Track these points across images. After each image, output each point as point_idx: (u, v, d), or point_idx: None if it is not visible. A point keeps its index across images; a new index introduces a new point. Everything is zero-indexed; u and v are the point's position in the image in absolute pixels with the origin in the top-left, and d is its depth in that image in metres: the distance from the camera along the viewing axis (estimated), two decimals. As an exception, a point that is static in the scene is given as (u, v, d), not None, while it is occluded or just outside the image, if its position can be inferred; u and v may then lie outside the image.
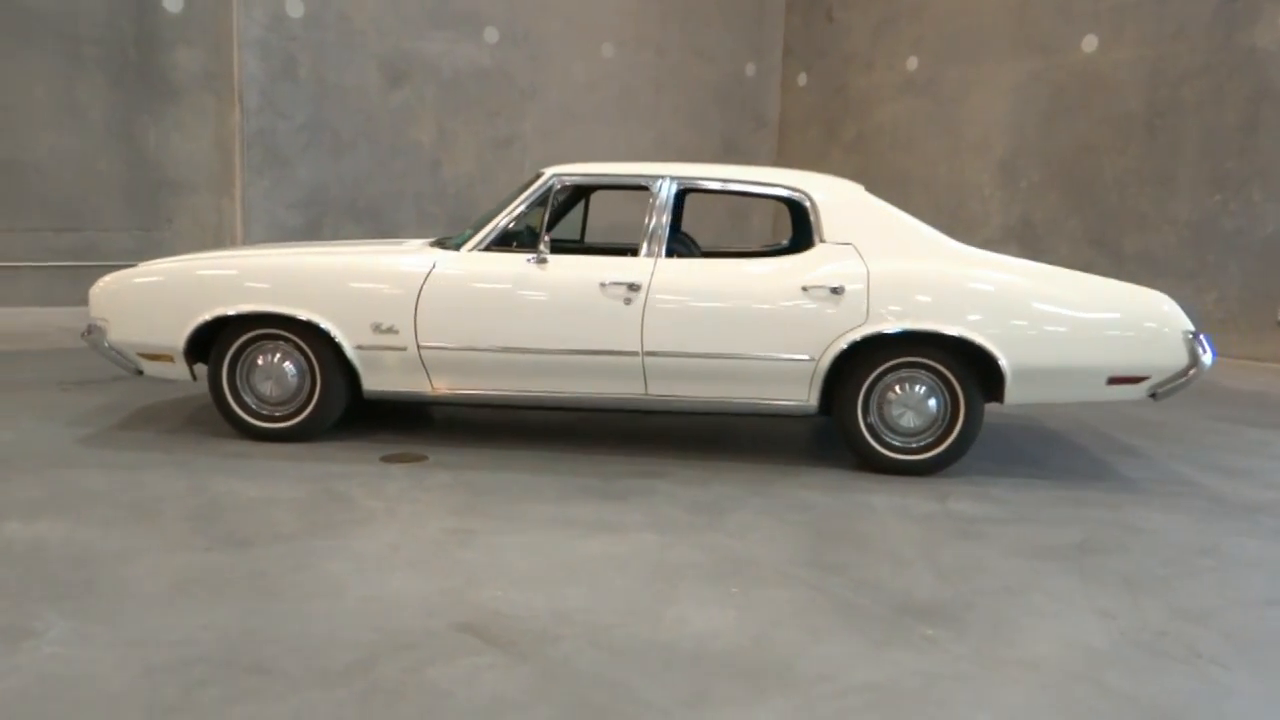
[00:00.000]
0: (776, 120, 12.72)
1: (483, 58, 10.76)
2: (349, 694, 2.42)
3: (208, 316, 4.57)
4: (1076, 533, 3.86)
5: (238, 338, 4.64)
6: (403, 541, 3.47)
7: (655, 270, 4.51)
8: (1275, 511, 4.23)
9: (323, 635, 2.74)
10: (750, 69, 12.45)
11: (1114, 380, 4.43)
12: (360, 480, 4.16)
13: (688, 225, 6.17)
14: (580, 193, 5.61)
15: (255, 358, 4.68)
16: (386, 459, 4.50)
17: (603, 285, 4.47)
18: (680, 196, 5.70)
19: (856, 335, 4.39)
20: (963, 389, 4.47)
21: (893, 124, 11.36)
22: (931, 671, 2.67)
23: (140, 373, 4.77)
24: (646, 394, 4.57)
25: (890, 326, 4.38)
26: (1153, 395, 4.47)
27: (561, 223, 5.73)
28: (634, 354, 4.47)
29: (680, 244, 4.98)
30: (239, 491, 3.96)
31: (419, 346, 4.54)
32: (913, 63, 11.11)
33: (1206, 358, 4.38)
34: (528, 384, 4.59)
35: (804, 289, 4.43)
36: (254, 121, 9.77)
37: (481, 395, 4.64)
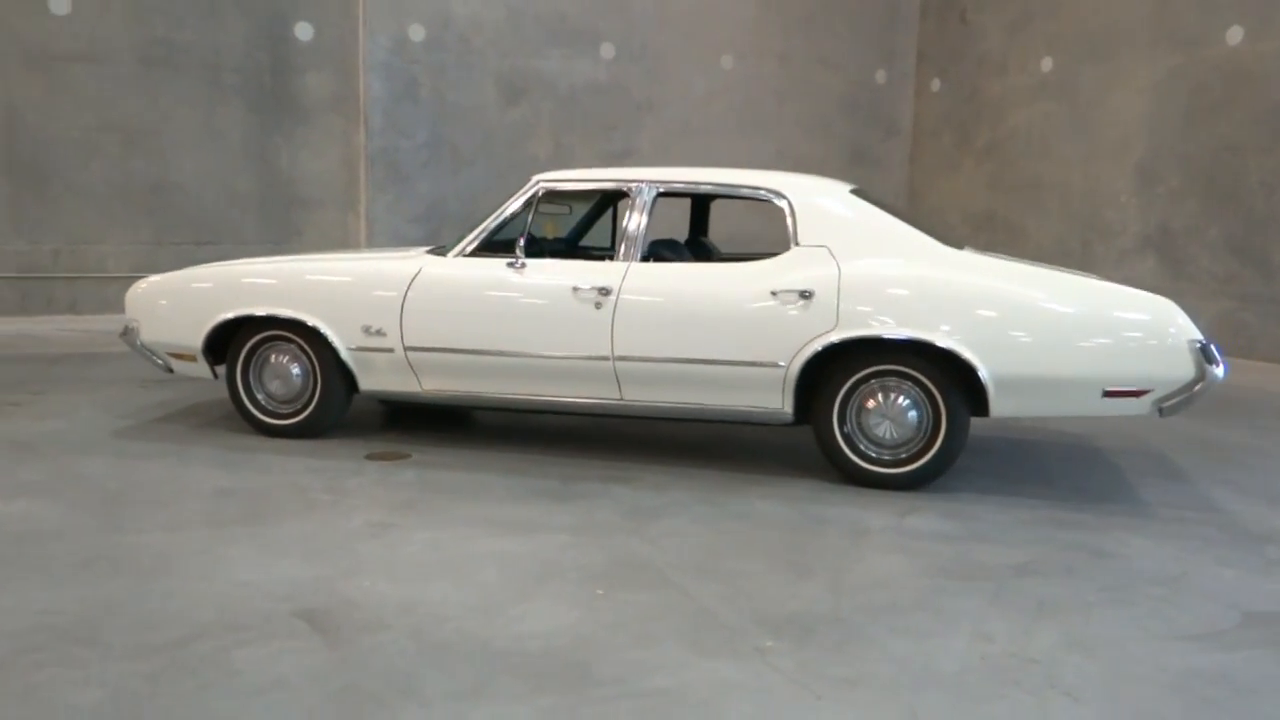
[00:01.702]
0: (909, 128, 12.34)
1: (599, 73, 10.96)
2: (145, 667, 2.56)
3: (221, 319, 4.88)
4: (1025, 554, 3.59)
5: (250, 339, 4.94)
6: (318, 532, 3.62)
7: (627, 274, 4.50)
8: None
9: (170, 613, 2.90)
10: (880, 76, 12.14)
11: (1111, 393, 4.09)
12: (330, 475, 4.35)
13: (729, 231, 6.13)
14: (608, 200, 5.68)
15: (267, 358, 4.96)
16: (370, 456, 4.68)
17: (575, 289, 4.51)
18: (703, 204, 5.69)
19: (826, 341, 4.25)
20: (944, 399, 4.24)
21: (1026, 129, 10.81)
22: (736, 682, 2.56)
23: (170, 370, 5.15)
24: (622, 399, 4.57)
25: (860, 332, 4.21)
26: (1160, 411, 4.09)
27: (590, 230, 5.85)
28: (605, 359, 4.48)
29: (669, 249, 4.93)
30: (211, 481, 4.21)
31: (405, 348, 4.70)
32: (1047, 63, 10.56)
33: (1217, 369, 3.98)
34: (507, 386, 4.67)
35: (773, 293, 4.31)
36: (378, 140, 10.31)
37: (465, 396, 4.75)
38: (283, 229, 10.20)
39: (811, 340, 4.26)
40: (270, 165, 10.08)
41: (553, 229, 5.46)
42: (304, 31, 10.00)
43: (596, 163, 11.09)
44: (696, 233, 5.75)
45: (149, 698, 2.42)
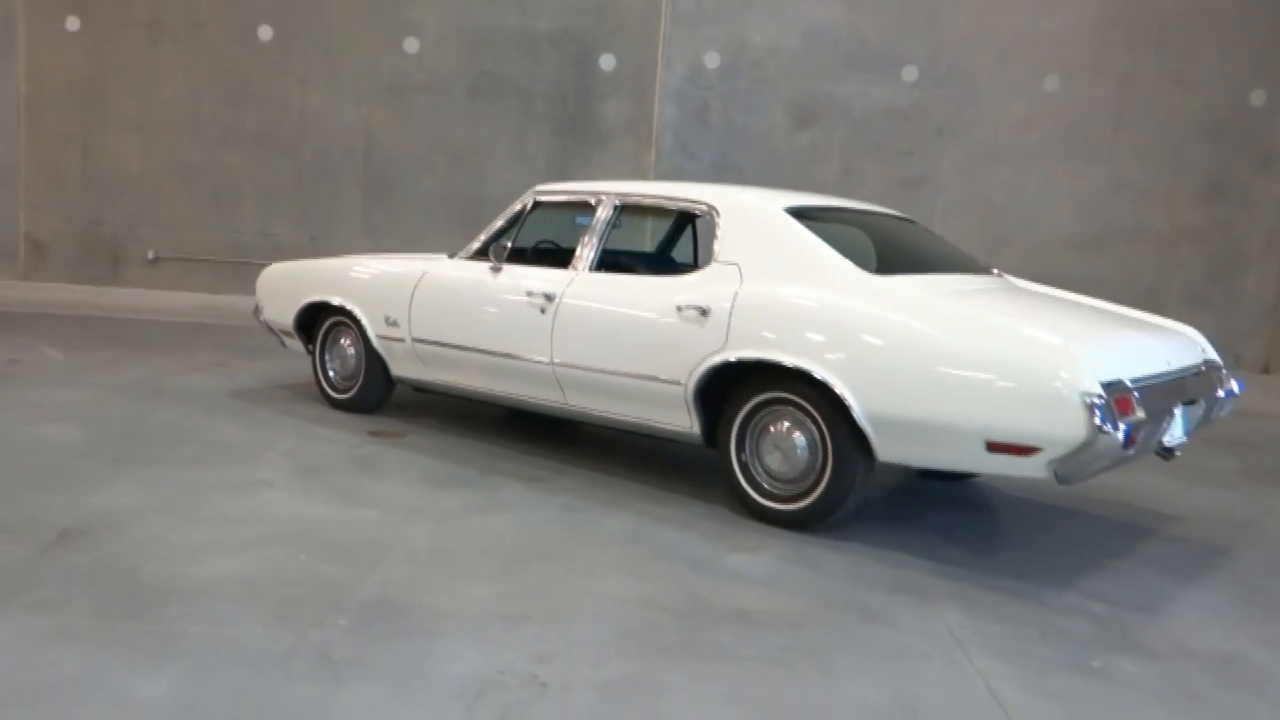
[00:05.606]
0: (1291, 158, 10.44)
1: (898, 97, 10.63)
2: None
3: (305, 302, 5.70)
4: (782, 604, 3.22)
5: (325, 322, 5.71)
6: (204, 480, 4.21)
7: (572, 283, 4.61)
8: (1162, 659, 3.00)
9: (-9, 511, 3.64)
10: (1257, 96, 10.43)
11: (995, 447, 3.49)
12: (309, 441, 4.95)
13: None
14: (685, 219, 5.78)
15: (337, 339, 5.70)
16: (371, 432, 5.22)
17: (528, 294, 4.70)
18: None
19: (715, 360, 4.06)
20: (831, 434, 3.86)
21: None
22: (242, 643, 2.73)
23: (284, 345, 6.08)
24: (567, 404, 4.68)
25: (743, 353, 3.98)
26: (1056, 476, 3.42)
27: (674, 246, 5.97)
28: (548, 363, 4.62)
29: (643, 262, 4.91)
30: (225, 433, 5.00)
31: (413, 339, 5.18)
32: None
33: (1115, 433, 3.26)
34: (486, 383, 4.97)
35: (678, 309, 4.20)
36: (667, 162, 10.89)
37: (463, 389, 5.11)
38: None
39: (704, 359, 4.10)
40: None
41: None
42: (607, 62, 10.84)
43: (889, 189, 10.75)
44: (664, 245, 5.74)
45: None
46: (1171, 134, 10.49)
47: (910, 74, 10.61)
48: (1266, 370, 10.45)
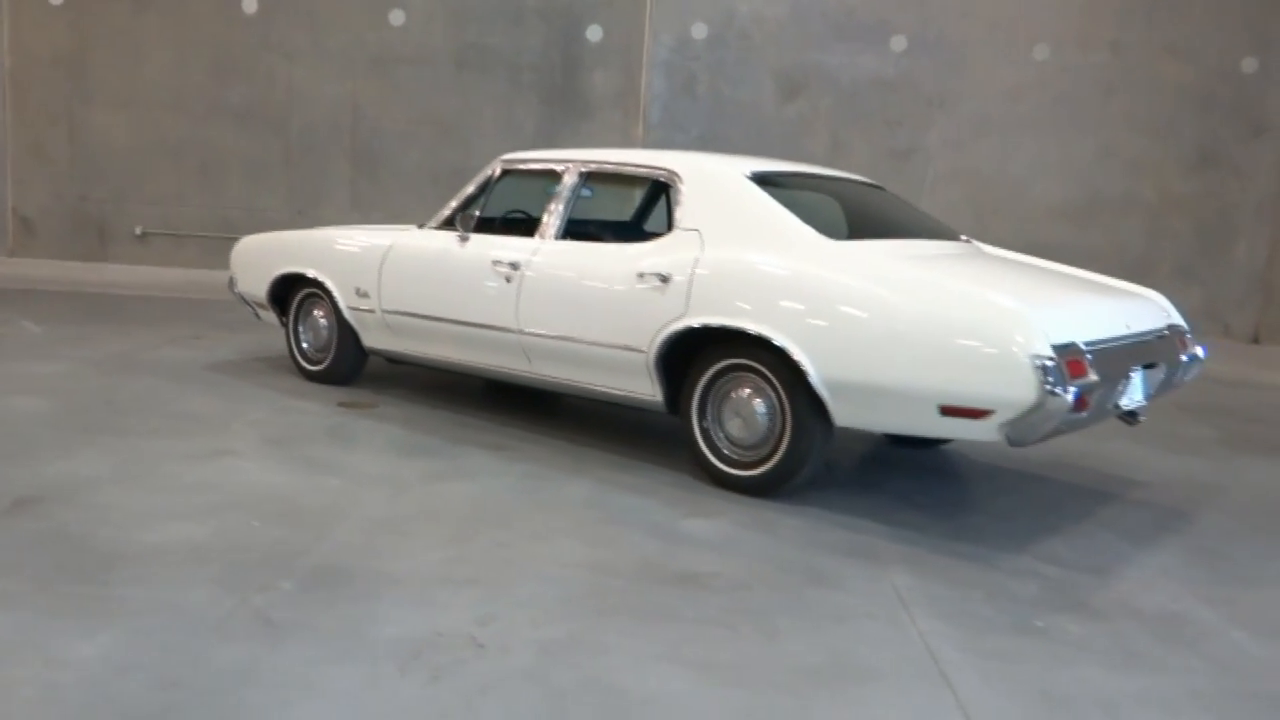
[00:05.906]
0: (1284, 125, 10.35)
1: (886, 67, 10.56)
2: None
3: (277, 274, 5.70)
4: (729, 566, 3.24)
5: (297, 294, 5.70)
6: (169, 450, 4.22)
7: (537, 251, 4.60)
8: (1106, 619, 3.01)
9: (-50, 480, 3.66)
10: (1249, 64, 10.34)
11: (949, 410, 3.49)
12: (284, 412, 4.96)
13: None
14: (659, 187, 5.74)
15: (310, 311, 5.69)
16: (341, 403, 5.23)
17: (494, 263, 4.69)
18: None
19: (676, 327, 4.06)
20: (789, 399, 3.86)
21: None
22: (177, 605, 2.74)
23: (258, 317, 6.07)
24: (533, 372, 4.68)
25: (703, 319, 3.97)
26: (1009, 440, 3.42)
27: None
28: (513, 331, 4.62)
29: (611, 231, 4.90)
30: (194, 404, 5.00)
31: (382, 310, 5.18)
32: None
33: (1064, 397, 3.25)
34: (451, 351, 4.97)
35: (639, 276, 4.19)
36: (654, 134, 10.83)
37: (425, 358, 5.12)
38: (564, 215, 11.07)
39: (664, 326, 4.09)
40: (557, 156, 10.99)
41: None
42: (594, 33, 10.77)
43: (878, 160, 10.69)
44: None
45: None
46: (1162, 103, 10.42)
47: (899, 43, 10.52)
48: (1256, 340, 10.42)
